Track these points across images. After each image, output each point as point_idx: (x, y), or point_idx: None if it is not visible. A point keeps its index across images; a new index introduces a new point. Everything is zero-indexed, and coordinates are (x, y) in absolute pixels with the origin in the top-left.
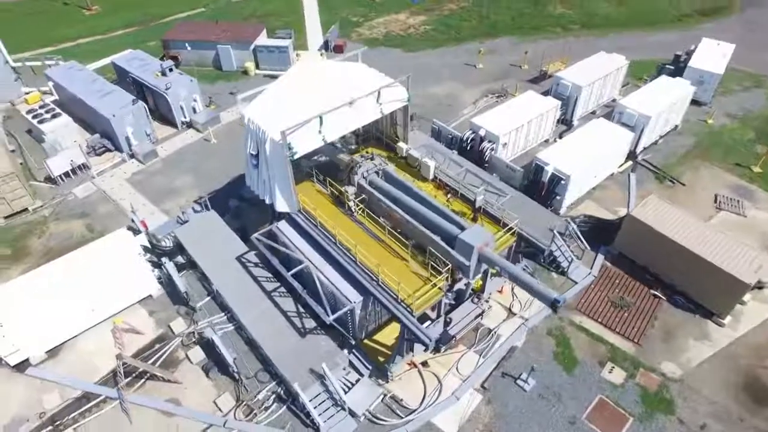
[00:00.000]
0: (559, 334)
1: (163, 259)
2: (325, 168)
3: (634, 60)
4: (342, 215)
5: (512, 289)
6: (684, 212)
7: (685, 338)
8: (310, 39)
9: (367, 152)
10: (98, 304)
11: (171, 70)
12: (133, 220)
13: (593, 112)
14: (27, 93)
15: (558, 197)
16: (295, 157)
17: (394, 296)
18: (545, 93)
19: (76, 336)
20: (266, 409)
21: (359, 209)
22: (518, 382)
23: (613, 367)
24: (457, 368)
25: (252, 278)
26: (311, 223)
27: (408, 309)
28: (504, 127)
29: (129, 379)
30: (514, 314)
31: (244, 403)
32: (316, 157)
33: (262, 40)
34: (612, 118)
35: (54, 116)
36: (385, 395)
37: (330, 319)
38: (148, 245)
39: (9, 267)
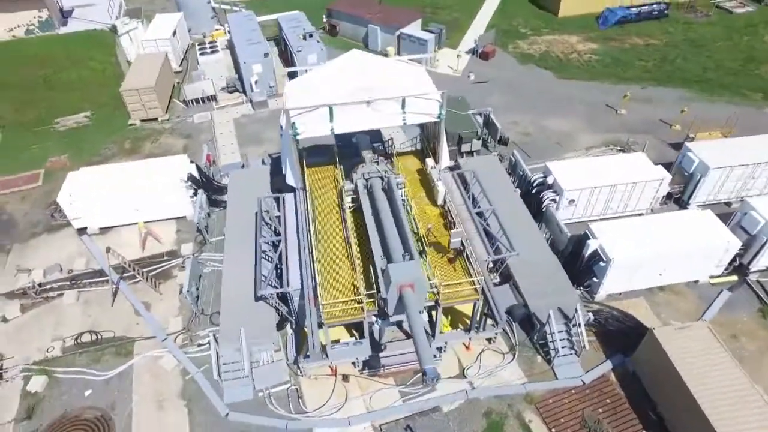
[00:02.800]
0: (496, 420)
1: (200, 191)
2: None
3: None
4: (337, 208)
5: (481, 352)
6: (735, 362)
7: None
8: (466, 39)
9: (378, 156)
10: (143, 207)
11: (311, 35)
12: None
13: (728, 204)
14: (216, 29)
15: (596, 279)
16: (298, 138)
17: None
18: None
19: (121, 226)
20: (199, 345)
21: (350, 208)
22: None
23: None
24: (371, 397)
25: (255, 234)
26: (304, 204)
27: (319, 315)
28: (577, 182)
29: (130, 273)
30: (465, 377)
31: (187, 332)
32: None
33: (410, 29)
34: (731, 218)
35: (213, 52)
36: (292, 385)
37: (261, 292)
38: (196, 175)
39: (122, 158)
